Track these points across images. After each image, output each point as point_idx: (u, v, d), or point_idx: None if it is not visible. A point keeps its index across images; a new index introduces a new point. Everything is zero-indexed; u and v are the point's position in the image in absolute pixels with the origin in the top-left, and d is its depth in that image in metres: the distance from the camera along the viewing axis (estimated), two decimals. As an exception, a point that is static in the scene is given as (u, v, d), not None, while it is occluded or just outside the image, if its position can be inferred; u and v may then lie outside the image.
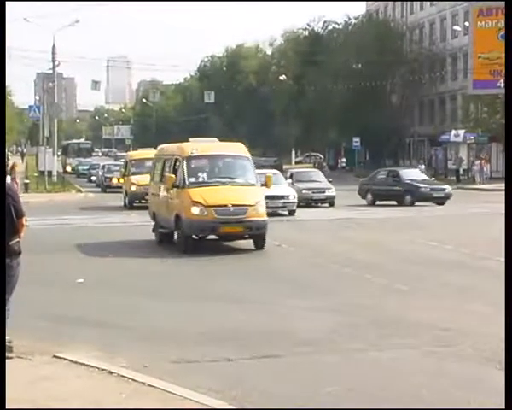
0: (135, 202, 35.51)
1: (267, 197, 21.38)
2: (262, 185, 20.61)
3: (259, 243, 19.60)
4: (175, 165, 20.50)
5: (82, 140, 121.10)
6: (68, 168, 79.59)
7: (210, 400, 7.38)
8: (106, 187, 49.67)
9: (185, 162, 20.00)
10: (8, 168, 47.16)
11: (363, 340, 10.01)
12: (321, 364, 8.95)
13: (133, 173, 36.15)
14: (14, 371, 8.18)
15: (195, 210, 18.96)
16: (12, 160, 52.24)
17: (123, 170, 38.71)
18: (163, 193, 21.06)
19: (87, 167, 67.83)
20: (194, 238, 19.44)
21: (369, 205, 36.61)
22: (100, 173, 53.76)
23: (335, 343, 9.88)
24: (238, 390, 7.84)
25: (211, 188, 19.51)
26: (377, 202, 37.03)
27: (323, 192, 35.55)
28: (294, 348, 9.63)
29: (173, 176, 20.02)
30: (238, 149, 21.36)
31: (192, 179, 19.74)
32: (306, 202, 34.25)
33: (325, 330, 10.67)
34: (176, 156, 20.73)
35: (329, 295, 13.34)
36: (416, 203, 35.25)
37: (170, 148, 22.74)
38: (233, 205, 19.05)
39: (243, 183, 20.10)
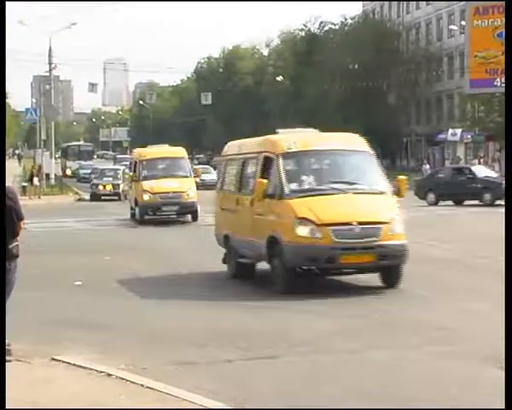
0: (147, 214, 28.89)
1: None
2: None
3: (393, 277, 13.77)
4: (264, 166, 14.82)
5: (82, 142, 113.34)
6: (68, 172, 74.50)
7: (209, 401, 7.36)
8: (94, 195, 45.05)
9: (281, 162, 14.25)
10: (35, 171, 47.55)
11: (362, 340, 9.99)
12: (320, 364, 8.93)
13: (145, 178, 29.22)
14: (13, 374, 8.16)
15: (303, 231, 13.31)
16: (37, 163, 51.68)
17: (131, 174, 31.47)
18: (244, 207, 15.19)
19: (89, 171, 62.01)
20: (297, 271, 13.52)
21: (430, 205, 34.85)
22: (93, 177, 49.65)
23: (334, 343, 9.86)
24: (237, 391, 7.82)
25: (323, 198, 13.79)
26: (440, 202, 35.09)
27: None
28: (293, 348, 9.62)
29: (265, 181, 14.22)
30: (353, 141, 15.34)
31: (294, 186, 14.01)
32: None
33: (322, 329, 10.67)
34: (264, 154, 14.88)
35: (328, 296, 13.32)
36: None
37: (248, 143, 16.58)
38: (359, 223, 13.31)
39: (369, 190, 14.23)
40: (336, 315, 11.62)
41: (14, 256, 9.06)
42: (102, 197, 44.36)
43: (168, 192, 28.71)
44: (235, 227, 15.60)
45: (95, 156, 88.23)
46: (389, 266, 13.61)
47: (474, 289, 13.73)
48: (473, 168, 37.67)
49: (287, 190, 13.87)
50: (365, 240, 13.22)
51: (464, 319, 11.16)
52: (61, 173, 63.52)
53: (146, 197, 28.59)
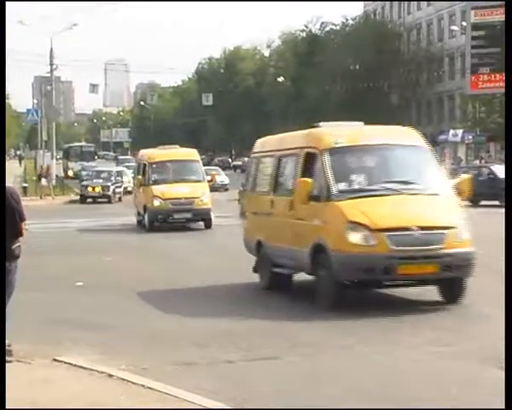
0: (157, 221, 26.93)
1: None
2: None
3: (456, 291, 12.18)
4: (305, 164, 13.16)
5: (84, 143, 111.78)
6: (70, 173, 71.70)
7: (209, 401, 7.38)
8: (83, 197, 44.30)
9: (327, 158, 12.60)
10: (44, 171, 47.67)
11: (362, 340, 10.00)
12: (320, 364, 8.94)
13: (155, 182, 27.27)
14: (14, 374, 8.17)
15: (355, 237, 11.67)
16: (45, 163, 51.65)
17: (139, 177, 28.65)
18: (281, 210, 13.60)
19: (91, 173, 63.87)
20: (345, 284, 11.93)
21: None
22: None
23: (334, 343, 9.87)
24: (237, 392, 7.83)
25: (377, 200, 12.19)
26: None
27: None
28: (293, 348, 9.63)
29: (309, 180, 12.54)
30: (407, 134, 13.83)
31: (342, 186, 12.38)
32: None
33: (323, 329, 10.68)
34: (306, 150, 13.20)
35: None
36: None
37: (286, 139, 14.76)
38: (420, 228, 11.61)
39: (427, 190, 12.55)
40: (334, 313, 11.61)
41: (16, 257, 9.09)
42: (90, 199, 43.43)
43: (180, 198, 26.52)
44: (270, 233, 14.00)
45: (96, 157, 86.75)
46: (453, 279, 11.92)
47: (476, 289, 13.72)
48: (493, 168, 36.72)
49: (334, 191, 12.20)
50: (427, 247, 11.57)
51: (464, 319, 11.18)
52: (62, 174, 63.50)
53: (156, 203, 26.46)
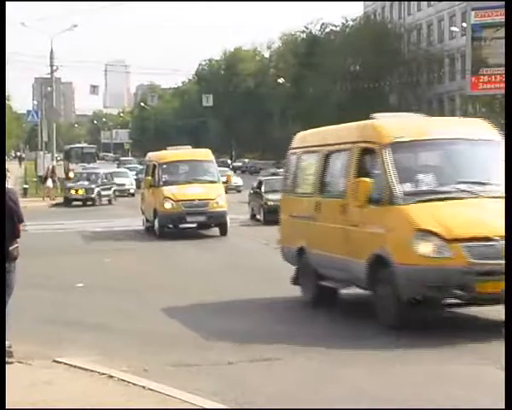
0: (167, 226, 25.09)
1: None
2: None
3: None
4: (361, 161, 11.49)
5: (85, 144, 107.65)
6: (71, 175, 72.15)
7: (210, 403, 7.38)
8: (66, 200, 42.94)
9: (389, 155, 10.90)
10: (49, 172, 47.64)
11: (360, 340, 10.01)
12: (321, 365, 8.94)
13: (166, 183, 25.19)
14: (15, 375, 8.18)
15: (425, 248, 10.03)
16: (50, 164, 51.34)
17: (149, 178, 26.43)
18: (330, 214, 11.91)
19: None
20: (411, 302, 10.40)
21: None
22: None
23: (334, 344, 9.88)
24: (239, 393, 7.83)
25: (449, 204, 10.49)
26: None
27: None
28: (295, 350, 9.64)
29: (368, 180, 10.88)
30: (480, 127, 12.04)
31: (408, 187, 10.69)
32: None
33: (322, 330, 10.68)
34: (362, 145, 11.53)
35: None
36: None
37: (334, 132, 13.02)
38: (502, 237, 9.14)
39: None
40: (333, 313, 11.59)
41: (14, 258, 9.09)
42: (74, 202, 42.19)
43: (193, 200, 24.37)
44: (315, 240, 12.31)
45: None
46: None
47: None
48: None
49: (399, 193, 10.55)
50: None
51: (464, 320, 11.17)
52: (63, 176, 63.16)
53: (168, 205, 24.22)
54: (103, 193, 43.29)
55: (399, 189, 10.59)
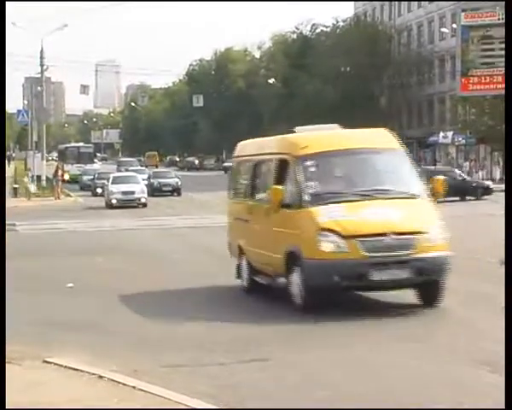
0: (328, 287, 12.72)
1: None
2: None
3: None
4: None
5: (82, 143, 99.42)
6: (66, 177, 60.78)
7: (201, 403, 7.36)
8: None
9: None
10: (54, 171, 47.62)
11: (358, 341, 10.01)
12: (315, 365, 8.94)
13: (317, 199, 11.91)
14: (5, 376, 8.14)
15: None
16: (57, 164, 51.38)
17: (279, 187, 13.23)
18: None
19: (91, 177, 55.45)
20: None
21: None
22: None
23: (328, 344, 9.87)
24: (230, 393, 7.82)
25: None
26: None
27: None
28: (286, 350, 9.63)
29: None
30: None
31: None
32: None
33: (317, 330, 10.69)
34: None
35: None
36: None
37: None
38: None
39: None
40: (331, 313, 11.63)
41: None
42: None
43: (383, 233, 11.79)
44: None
45: (96, 160, 79.84)
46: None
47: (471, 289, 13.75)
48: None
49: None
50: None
51: (463, 321, 11.19)
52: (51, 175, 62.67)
53: (327, 246, 11.75)
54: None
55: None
